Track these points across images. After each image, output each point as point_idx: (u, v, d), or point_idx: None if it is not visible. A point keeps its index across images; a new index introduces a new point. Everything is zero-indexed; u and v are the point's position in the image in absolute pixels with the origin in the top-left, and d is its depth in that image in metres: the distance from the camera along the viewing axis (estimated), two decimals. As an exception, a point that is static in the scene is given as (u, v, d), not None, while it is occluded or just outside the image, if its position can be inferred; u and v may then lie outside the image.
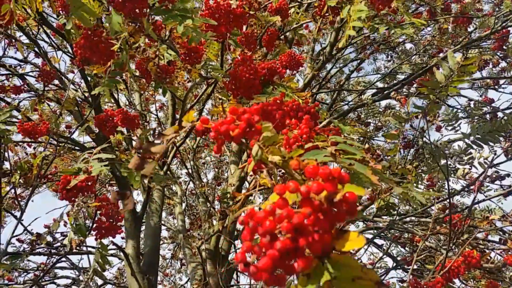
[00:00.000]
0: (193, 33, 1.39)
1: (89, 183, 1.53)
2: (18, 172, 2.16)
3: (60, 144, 3.15)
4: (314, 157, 0.82)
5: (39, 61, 5.03)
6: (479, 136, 2.59)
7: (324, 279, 0.51)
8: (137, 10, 1.32)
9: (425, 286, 1.71)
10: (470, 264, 1.78)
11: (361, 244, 0.50)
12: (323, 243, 0.51)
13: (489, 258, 1.88)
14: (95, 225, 1.50)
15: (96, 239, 1.48)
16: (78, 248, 1.86)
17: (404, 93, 4.16)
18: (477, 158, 2.31)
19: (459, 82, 1.67)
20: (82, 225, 1.51)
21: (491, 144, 2.59)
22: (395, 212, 2.38)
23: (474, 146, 2.56)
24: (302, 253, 0.51)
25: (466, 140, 2.56)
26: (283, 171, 0.85)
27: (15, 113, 2.98)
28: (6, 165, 2.59)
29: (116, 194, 0.87)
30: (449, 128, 2.57)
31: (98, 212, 1.50)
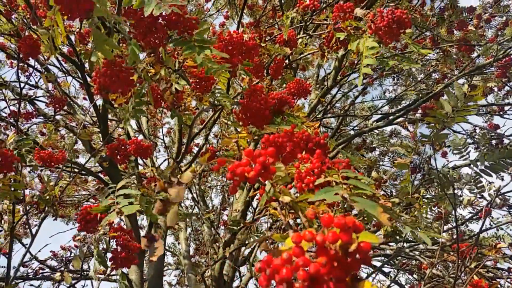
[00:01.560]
0: (210, 64, 1.43)
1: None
2: (42, 203, 2.18)
3: (75, 171, 3.18)
4: (324, 196, 0.83)
5: (49, 85, 5.13)
6: (487, 164, 2.59)
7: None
8: (157, 41, 1.36)
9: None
10: None
11: (376, 293, 0.51)
12: (339, 291, 0.52)
13: (498, 287, 1.85)
14: (111, 255, 1.51)
15: (112, 270, 1.49)
16: (105, 276, 1.87)
17: (409, 119, 4.19)
18: (488, 190, 2.30)
19: (466, 112, 1.69)
20: (103, 256, 1.52)
21: (500, 172, 2.59)
22: (402, 238, 2.37)
23: (483, 175, 2.56)
24: (318, 301, 0.52)
25: (475, 169, 2.56)
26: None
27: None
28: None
29: (146, 241, 0.88)
30: (458, 156, 2.58)
31: (114, 241, 1.51)
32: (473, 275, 1.63)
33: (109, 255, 1.68)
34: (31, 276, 4.27)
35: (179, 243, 6.68)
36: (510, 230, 4.05)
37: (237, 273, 4.34)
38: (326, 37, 2.34)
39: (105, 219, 1.06)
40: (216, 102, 2.24)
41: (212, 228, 5.46)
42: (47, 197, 1.94)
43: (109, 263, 1.46)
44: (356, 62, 4.54)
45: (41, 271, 4.85)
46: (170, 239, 7.43)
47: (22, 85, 4.66)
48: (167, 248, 6.29)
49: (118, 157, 2.08)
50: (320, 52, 2.75)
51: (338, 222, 0.54)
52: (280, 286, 0.53)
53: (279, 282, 0.53)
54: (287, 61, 3.12)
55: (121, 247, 1.66)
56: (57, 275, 1.90)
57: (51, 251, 5.68)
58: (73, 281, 3.98)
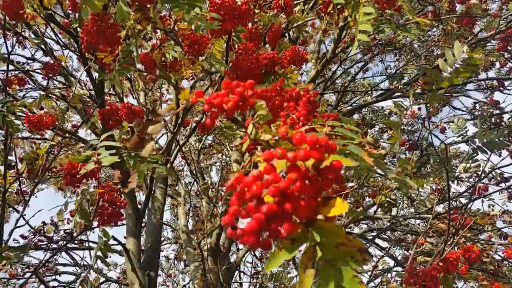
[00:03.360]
0: (199, 22, 1.40)
1: (94, 170, 1.55)
2: (25, 162, 2.17)
3: (66, 138, 3.17)
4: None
5: (46, 59, 5.09)
6: (485, 142, 2.57)
7: (308, 244, 0.51)
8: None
9: (421, 273, 1.69)
10: (470, 259, 1.77)
11: (344, 209, 0.50)
12: (309, 209, 0.51)
13: (489, 253, 1.87)
14: (98, 211, 1.51)
15: (98, 225, 1.50)
16: (84, 233, 1.87)
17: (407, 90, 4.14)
18: (484, 167, 2.29)
19: (464, 73, 1.64)
20: (86, 210, 1.52)
21: (497, 150, 2.57)
22: (396, 208, 2.37)
23: (480, 152, 2.55)
24: (288, 218, 0.52)
25: (472, 145, 2.55)
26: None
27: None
28: (13, 158, 2.62)
29: (119, 173, 0.88)
30: (457, 135, 2.56)
31: (101, 199, 1.51)
32: (461, 236, 1.64)
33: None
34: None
35: (177, 219, 6.75)
36: (506, 207, 4.05)
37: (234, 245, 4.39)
38: (323, 2, 2.29)
39: (83, 168, 1.05)
40: (211, 69, 2.21)
41: (211, 204, 5.49)
42: (32, 155, 1.93)
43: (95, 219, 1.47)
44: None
45: (40, 243, 4.90)
46: (169, 215, 7.50)
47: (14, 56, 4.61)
48: (165, 222, 6.34)
49: (110, 122, 2.07)
50: (320, 24, 2.70)
51: (310, 140, 0.53)
52: (251, 203, 0.52)
53: (250, 199, 0.52)
54: (285, 31, 3.07)
55: (108, 203, 1.66)
56: (47, 228, 1.91)
57: (42, 222, 5.73)
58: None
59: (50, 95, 3.91)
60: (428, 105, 1.64)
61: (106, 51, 1.59)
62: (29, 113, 2.39)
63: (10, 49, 2.70)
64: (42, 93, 3.99)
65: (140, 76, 3.95)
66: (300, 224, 0.52)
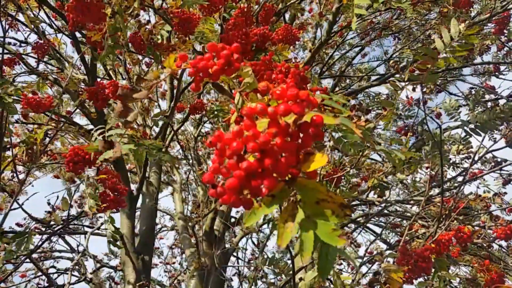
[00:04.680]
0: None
1: (96, 157, 1.55)
2: (23, 146, 2.15)
3: (61, 121, 3.15)
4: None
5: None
6: (478, 124, 2.56)
7: (288, 200, 0.51)
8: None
9: (413, 253, 1.71)
10: (461, 240, 1.78)
11: (324, 162, 0.50)
12: (289, 165, 0.51)
13: (480, 234, 1.88)
14: (100, 197, 1.51)
15: (100, 212, 1.50)
16: (78, 219, 1.87)
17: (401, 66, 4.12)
18: (477, 151, 2.29)
19: (460, 52, 1.62)
20: (94, 194, 1.53)
21: (490, 131, 2.57)
22: (389, 191, 2.38)
23: (473, 134, 2.54)
24: (268, 175, 0.51)
25: (465, 128, 2.54)
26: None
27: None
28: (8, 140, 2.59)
29: (103, 142, 0.87)
30: (450, 117, 2.55)
31: (101, 185, 1.51)
32: (453, 218, 1.64)
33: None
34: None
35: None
36: (499, 189, 4.06)
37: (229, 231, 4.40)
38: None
39: (102, 156, 1.04)
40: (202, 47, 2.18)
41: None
42: (30, 139, 1.92)
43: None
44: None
45: (36, 230, 4.91)
46: (167, 203, 7.51)
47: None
48: (162, 209, 6.36)
49: (98, 101, 2.04)
50: (317, 5, 2.66)
51: (291, 94, 0.52)
52: (231, 160, 0.52)
53: (230, 156, 0.52)
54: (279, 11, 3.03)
55: (110, 189, 1.66)
56: (46, 216, 1.91)
57: (47, 211, 5.74)
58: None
59: (44, 78, 3.87)
60: (423, 85, 1.62)
61: (94, 29, 1.56)
62: (26, 95, 2.37)
63: (4, 33, 2.66)
64: (35, 77, 3.96)
65: (130, 57, 3.91)
66: (281, 181, 0.52)
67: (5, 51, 3.92)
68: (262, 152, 0.50)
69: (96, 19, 1.40)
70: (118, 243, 1.87)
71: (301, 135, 0.52)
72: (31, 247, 1.74)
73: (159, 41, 1.76)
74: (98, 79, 4.24)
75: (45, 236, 2.77)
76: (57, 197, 4.34)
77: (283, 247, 0.48)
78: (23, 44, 4.75)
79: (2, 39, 2.71)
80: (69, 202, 1.97)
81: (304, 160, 0.52)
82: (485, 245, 1.94)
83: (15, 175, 2.69)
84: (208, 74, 0.70)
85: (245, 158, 0.51)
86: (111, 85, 2.05)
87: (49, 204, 3.58)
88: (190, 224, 4.02)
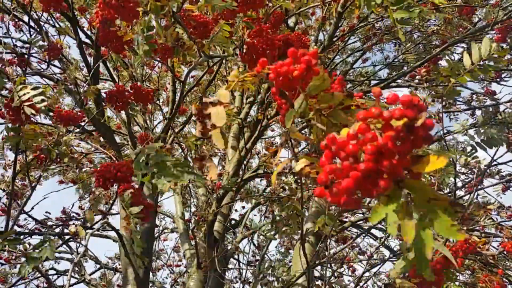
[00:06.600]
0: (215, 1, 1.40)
1: (127, 174, 1.55)
2: (55, 154, 2.12)
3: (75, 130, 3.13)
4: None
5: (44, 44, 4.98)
6: (484, 139, 2.62)
7: (402, 200, 0.53)
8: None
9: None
10: (467, 251, 1.79)
11: (442, 164, 0.52)
12: (403, 166, 0.53)
13: (487, 242, 1.90)
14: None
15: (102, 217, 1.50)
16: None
17: (408, 83, 4.19)
18: (483, 163, 2.34)
19: (489, 72, 1.62)
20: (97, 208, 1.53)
21: (495, 146, 2.63)
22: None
23: (478, 148, 2.60)
24: (382, 176, 0.53)
25: (471, 142, 2.60)
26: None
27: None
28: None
29: (198, 159, 0.87)
30: (462, 134, 2.60)
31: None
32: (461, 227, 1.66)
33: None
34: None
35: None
36: (501, 198, 4.14)
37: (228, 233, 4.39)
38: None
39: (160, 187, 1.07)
40: (216, 50, 2.18)
41: (208, 192, 5.49)
42: (50, 144, 1.91)
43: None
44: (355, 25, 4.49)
45: (36, 231, 4.84)
46: (168, 206, 7.48)
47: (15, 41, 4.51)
48: (163, 212, 6.33)
49: (117, 104, 2.03)
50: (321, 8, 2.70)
51: (404, 100, 0.54)
52: (346, 162, 0.53)
53: (345, 158, 0.53)
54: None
55: (137, 204, 1.65)
56: (71, 228, 1.89)
57: (46, 212, 5.67)
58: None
59: (47, 81, 3.85)
60: (444, 99, 1.65)
61: (120, 28, 1.56)
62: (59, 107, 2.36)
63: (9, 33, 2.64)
64: (39, 78, 3.94)
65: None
66: (392, 182, 0.54)
67: (9, 51, 3.89)
68: (380, 154, 0.52)
69: (129, 17, 1.40)
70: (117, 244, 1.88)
71: (411, 137, 0.54)
72: (56, 255, 1.72)
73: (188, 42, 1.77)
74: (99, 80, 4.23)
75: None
76: (72, 205, 4.29)
77: (410, 243, 0.50)
78: (25, 45, 4.71)
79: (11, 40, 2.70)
80: (94, 214, 1.96)
81: (415, 162, 0.54)
82: (491, 261, 1.96)
83: (27, 179, 2.67)
84: (288, 79, 0.72)
85: (360, 160, 0.53)
86: (133, 88, 2.05)
87: (64, 212, 3.54)
88: (190, 226, 4.01)
